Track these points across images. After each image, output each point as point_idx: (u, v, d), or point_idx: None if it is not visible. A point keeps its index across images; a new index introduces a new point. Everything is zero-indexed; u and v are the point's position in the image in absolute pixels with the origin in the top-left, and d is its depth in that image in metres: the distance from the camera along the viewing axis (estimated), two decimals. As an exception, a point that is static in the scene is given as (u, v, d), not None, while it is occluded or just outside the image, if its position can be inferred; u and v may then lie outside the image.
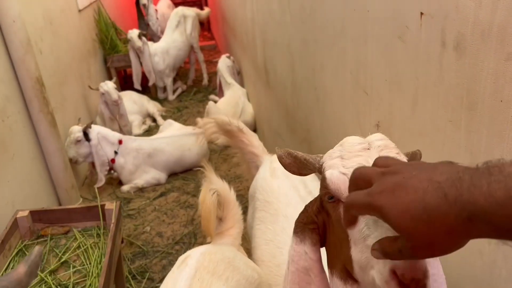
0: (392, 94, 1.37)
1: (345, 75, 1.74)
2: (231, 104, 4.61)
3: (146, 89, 5.72)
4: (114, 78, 4.81)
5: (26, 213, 2.40)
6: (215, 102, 4.83)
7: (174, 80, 5.96)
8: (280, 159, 0.90)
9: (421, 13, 1.13)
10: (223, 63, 5.16)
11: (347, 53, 1.69)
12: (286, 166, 0.90)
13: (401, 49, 1.26)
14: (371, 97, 1.53)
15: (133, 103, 4.99)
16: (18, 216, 2.38)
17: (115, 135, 3.84)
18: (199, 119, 2.66)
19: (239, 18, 4.56)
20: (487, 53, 0.91)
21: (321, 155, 0.88)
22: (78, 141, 3.59)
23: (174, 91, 5.87)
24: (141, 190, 3.83)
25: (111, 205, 2.45)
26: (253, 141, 2.21)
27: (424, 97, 1.18)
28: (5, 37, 2.85)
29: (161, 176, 3.91)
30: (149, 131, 4.94)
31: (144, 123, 5.08)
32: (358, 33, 1.57)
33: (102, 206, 2.47)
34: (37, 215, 2.46)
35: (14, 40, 2.87)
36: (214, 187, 1.62)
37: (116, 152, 3.77)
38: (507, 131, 0.89)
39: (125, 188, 3.81)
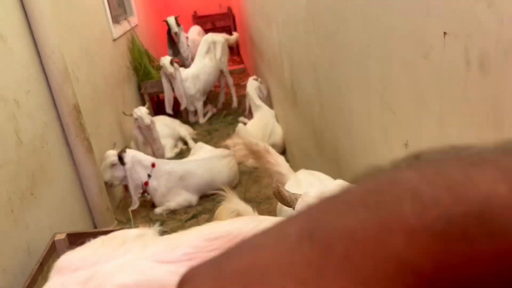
0: (418, 113, 1.36)
1: (371, 94, 1.74)
2: (260, 126, 4.64)
3: (178, 113, 5.85)
4: (147, 104, 4.95)
5: (63, 236, 2.48)
6: (245, 124, 4.87)
7: (205, 104, 6.07)
8: (273, 192, 1.16)
9: (444, 33, 1.13)
10: (251, 86, 5.22)
11: (372, 73, 1.70)
12: (276, 197, 1.15)
13: (426, 68, 1.27)
14: (398, 116, 1.52)
15: (166, 126, 5.10)
16: (56, 239, 2.46)
17: (149, 159, 3.93)
18: (228, 141, 2.70)
19: (266, 42, 4.63)
20: (511, 71, 0.91)
21: (299, 195, 1.12)
22: (113, 165, 3.69)
23: (204, 115, 5.98)
24: (173, 212, 3.88)
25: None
26: (280, 161, 2.23)
27: (450, 116, 1.17)
28: (45, 67, 3.01)
29: (193, 198, 3.96)
30: (181, 154, 5.03)
31: (176, 146, 5.18)
32: (382, 53, 1.57)
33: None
34: (74, 238, 2.53)
35: (53, 70, 3.02)
36: (235, 207, 1.63)
37: (149, 175, 3.86)
38: (536, 148, 0.87)
39: (158, 210, 3.88)
